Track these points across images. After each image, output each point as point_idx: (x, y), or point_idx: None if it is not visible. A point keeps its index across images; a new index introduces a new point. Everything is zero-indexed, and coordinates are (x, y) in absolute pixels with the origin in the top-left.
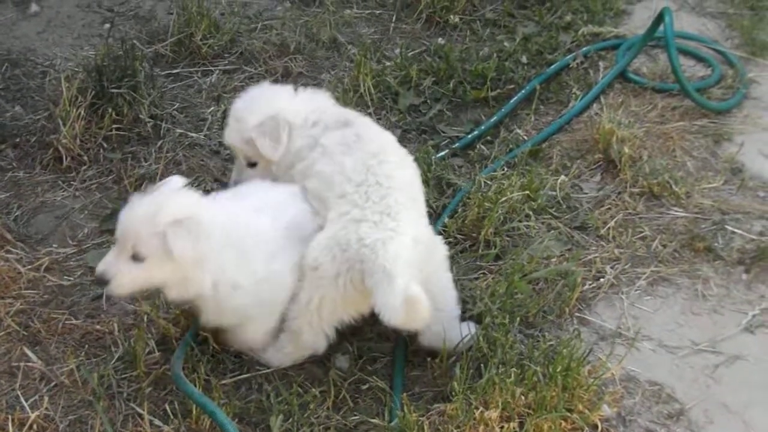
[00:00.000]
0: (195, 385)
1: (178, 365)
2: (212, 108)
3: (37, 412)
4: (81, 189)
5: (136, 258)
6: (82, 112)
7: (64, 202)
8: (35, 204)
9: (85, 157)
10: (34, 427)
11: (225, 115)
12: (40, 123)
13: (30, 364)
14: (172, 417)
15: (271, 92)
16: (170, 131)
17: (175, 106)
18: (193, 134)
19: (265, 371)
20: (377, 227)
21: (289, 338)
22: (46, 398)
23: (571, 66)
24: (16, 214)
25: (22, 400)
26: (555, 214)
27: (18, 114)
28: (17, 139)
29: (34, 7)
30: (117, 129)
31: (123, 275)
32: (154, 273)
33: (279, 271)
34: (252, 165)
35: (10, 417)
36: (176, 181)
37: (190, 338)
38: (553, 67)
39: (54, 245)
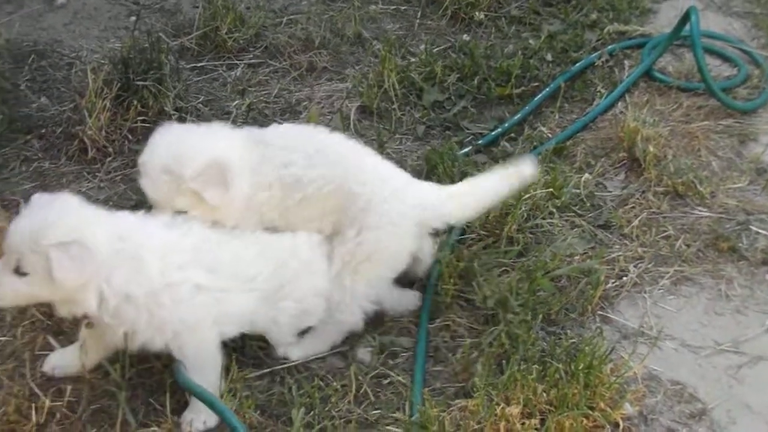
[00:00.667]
0: None
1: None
2: (237, 101)
3: (60, 401)
4: (106, 180)
5: (18, 272)
6: (108, 104)
7: (89, 193)
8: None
9: (110, 149)
10: (57, 415)
11: (250, 108)
12: (65, 114)
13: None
14: None
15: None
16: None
17: (200, 99)
18: None
19: (287, 364)
20: None
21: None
22: (69, 387)
23: (596, 64)
24: None
25: (44, 389)
26: (579, 212)
27: (44, 105)
28: (43, 130)
29: (60, 0)
30: (142, 121)
31: (5, 287)
32: (37, 289)
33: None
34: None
35: (33, 405)
36: (69, 198)
37: None
38: (578, 65)
39: None
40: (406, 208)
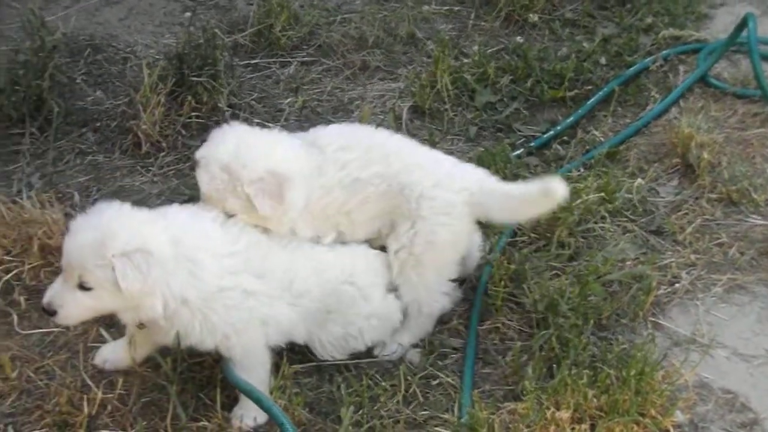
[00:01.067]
0: None
1: None
2: (289, 99)
3: (111, 394)
4: (159, 175)
5: (83, 287)
6: (162, 99)
7: (142, 187)
8: (114, 188)
9: (164, 144)
10: (108, 407)
11: (303, 106)
12: (120, 108)
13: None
14: None
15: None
16: (248, 121)
17: (253, 96)
18: (270, 124)
19: (336, 362)
20: None
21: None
22: (120, 380)
23: (650, 69)
24: (95, 197)
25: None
26: (631, 217)
27: (99, 99)
28: (98, 124)
29: None
30: (196, 117)
31: (70, 305)
32: (102, 302)
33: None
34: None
35: (85, 397)
36: (121, 206)
37: None
38: (632, 69)
39: None
40: (454, 193)
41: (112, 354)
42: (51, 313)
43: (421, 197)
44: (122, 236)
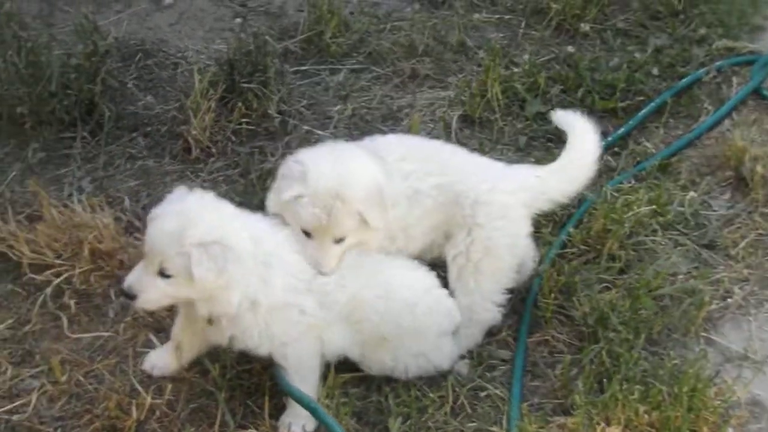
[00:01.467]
0: None
1: None
2: (339, 106)
3: (160, 399)
4: (208, 180)
5: (163, 274)
6: (213, 105)
7: None
8: (163, 193)
9: (214, 150)
10: (157, 413)
11: (352, 114)
12: (171, 113)
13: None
14: None
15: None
16: (297, 128)
17: (303, 103)
18: (320, 132)
19: None
20: None
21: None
22: (169, 386)
23: (703, 80)
24: (145, 202)
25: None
26: (683, 230)
27: (150, 104)
28: (148, 128)
29: (167, 0)
30: (246, 123)
31: (150, 291)
32: (181, 290)
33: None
34: (339, 241)
35: (134, 402)
36: (206, 195)
37: None
38: (684, 80)
39: None
40: (510, 196)
41: (160, 360)
42: (131, 297)
43: (476, 203)
44: (202, 226)
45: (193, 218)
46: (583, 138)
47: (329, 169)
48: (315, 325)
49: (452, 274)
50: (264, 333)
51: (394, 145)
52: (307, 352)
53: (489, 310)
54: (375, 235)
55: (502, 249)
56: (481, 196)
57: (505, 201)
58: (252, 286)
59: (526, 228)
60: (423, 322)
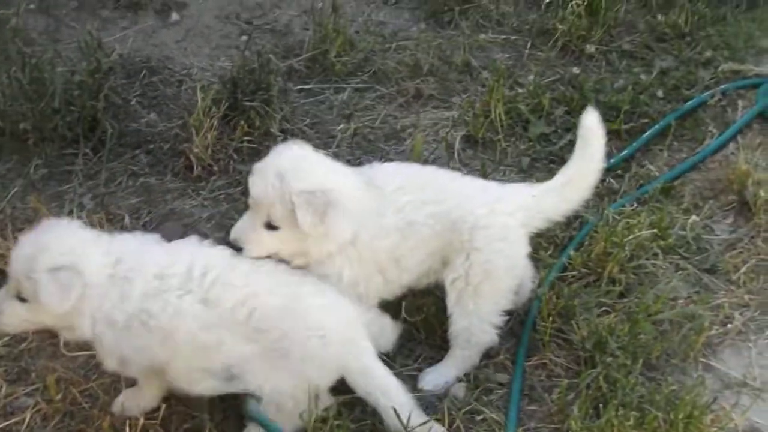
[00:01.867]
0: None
1: None
2: (342, 125)
3: (154, 420)
4: (209, 199)
5: (20, 298)
6: (215, 123)
7: (192, 210)
8: (164, 211)
9: (216, 168)
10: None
11: (355, 133)
12: (173, 131)
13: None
14: None
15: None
16: None
17: (306, 122)
18: (322, 150)
19: None
20: None
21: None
22: (162, 406)
23: (708, 103)
24: (146, 219)
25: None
26: (684, 254)
27: (153, 121)
28: (151, 146)
29: (174, 16)
30: (248, 141)
31: (9, 314)
32: (37, 315)
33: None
34: (272, 228)
35: (128, 421)
36: (71, 223)
37: None
38: (689, 103)
39: None
40: (508, 217)
41: (130, 400)
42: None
43: (475, 228)
44: (54, 252)
45: (46, 244)
46: (589, 158)
47: (296, 156)
48: (197, 334)
49: (451, 298)
50: (129, 348)
51: (391, 175)
52: (191, 370)
53: (487, 332)
54: (313, 247)
55: (501, 271)
56: (479, 221)
57: (503, 222)
58: (107, 306)
59: (525, 248)
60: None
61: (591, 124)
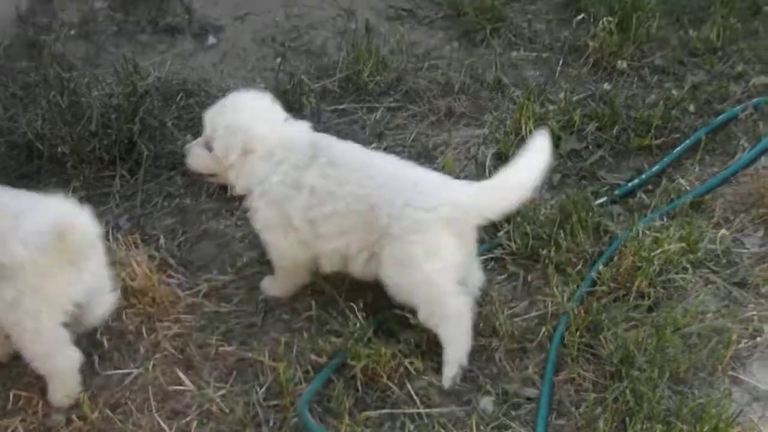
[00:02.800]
0: (335, 418)
1: (305, 397)
2: (374, 144)
3: None
4: (242, 219)
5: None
6: None
7: (226, 230)
8: (199, 231)
9: None
10: None
11: (388, 151)
12: None
13: (182, 387)
14: None
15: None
16: None
17: None
18: None
19: (409, 410)
20: None
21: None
22: (194, 423)
23: (740, 117)
24: (180, 240)
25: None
26: (714, 268)
27: (188, 142)
28: (186, 167)
29: (211, 39)
30: None
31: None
32: None
33: None
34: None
35: None
36: None
37: (331, 370)
38: (721, 117)
39: (213, 272)
40: (423, 212)
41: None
42: None
43: (391, 217)
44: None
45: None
46: (531, 165)
47: (252, 98)
48: None
49: (390, 290)
50: None
51: (335, 149)
52: None
53: (443, 304)
54: (233, 178)
55: (419, 260)
56: (395, 211)
57: (418, 217)
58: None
59: (446, 240)
60: None
61: (541, 144)
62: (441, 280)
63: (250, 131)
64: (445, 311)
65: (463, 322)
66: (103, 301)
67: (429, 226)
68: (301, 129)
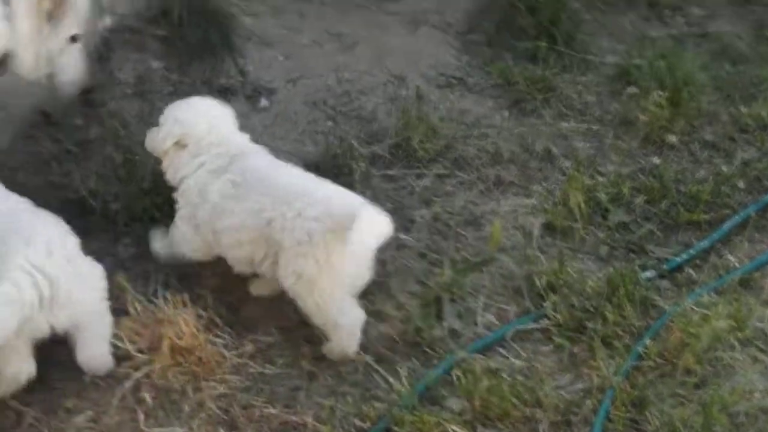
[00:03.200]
0: None
1: None
2: (422, 210)
3: None
4: None
5: None
6: None
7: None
8: (243, 291)
9: None
10: None
11: (435, 219)
12: None
13: None
14: None
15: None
16: None
17: (387, 206)
18: (402, 236)
19: None
20: None
21: None
22: None
23: None
24: (228, 300)
25: None
26: (762, 347)
27: None
28: None
29: (263, 102)
30: None
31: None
32: None
33: None
34: None
35: None
36: None
37: None
38: None
39: (259, 333)
40: (312, 222)
41: None
42: None
43: (284, 229)
44: None
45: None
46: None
47: (203, 101)
48: None
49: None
50: None
51: (246, 165)
52: None
53: (339, 316)
54: (167, 164)
55: (311, 270)
56: (287, 223)
57: (308, 227)
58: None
59: (341, 250)
60: None
61: None
62: (333, 292)
63: (189, 127)
64: (338, 321)
65: (354, 332)
66: None
67: (320, 236)
68: (242, 139)
